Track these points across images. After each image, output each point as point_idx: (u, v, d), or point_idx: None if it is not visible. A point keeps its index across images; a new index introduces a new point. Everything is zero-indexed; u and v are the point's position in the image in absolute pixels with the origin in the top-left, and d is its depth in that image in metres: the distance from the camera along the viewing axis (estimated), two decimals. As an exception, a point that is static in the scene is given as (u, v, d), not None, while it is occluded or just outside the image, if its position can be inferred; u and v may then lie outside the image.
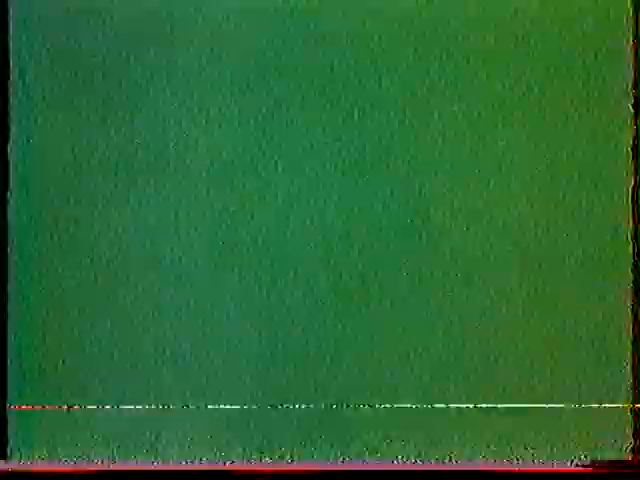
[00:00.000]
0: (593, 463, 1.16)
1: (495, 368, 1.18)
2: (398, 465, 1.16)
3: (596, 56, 1.19)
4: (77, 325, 1.18)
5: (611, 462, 1.16)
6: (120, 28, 1.19)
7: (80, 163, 1.18)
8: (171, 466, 1.16)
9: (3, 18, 1.19)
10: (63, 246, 1.18)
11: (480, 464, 1.16)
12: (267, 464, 1.17)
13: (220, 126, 1.18)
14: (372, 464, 1.16)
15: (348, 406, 1.17)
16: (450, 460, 1.17)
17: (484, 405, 1.17)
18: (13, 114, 1.18)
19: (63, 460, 1.17)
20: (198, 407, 1.17)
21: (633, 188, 1.18)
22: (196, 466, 1.16)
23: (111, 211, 1.18)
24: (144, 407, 1.17)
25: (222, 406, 1.18)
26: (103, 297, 1.18)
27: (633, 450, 1.17)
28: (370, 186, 1.18)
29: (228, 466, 1.16)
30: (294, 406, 1.17)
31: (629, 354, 1.18)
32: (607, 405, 1.17)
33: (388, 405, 1.17)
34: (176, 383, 1.18)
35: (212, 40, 1.19)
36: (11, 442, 1.17)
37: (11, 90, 1.18)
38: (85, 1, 1.18)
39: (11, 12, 1.19)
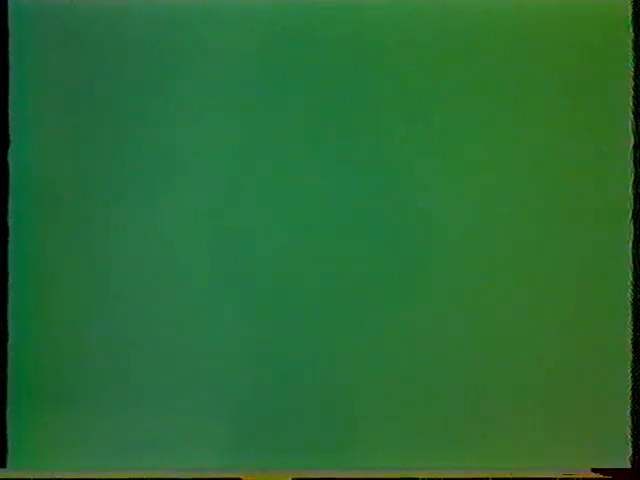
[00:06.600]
0: (593, 472, 1.16)
1: (494, 372, 1.18)
2: (396, 473, 1.16)
3: (596, 56, 1.19)
4: (77, 336, 1.18)
5: (611, 471, 1.17)
6: (122, 35, 1.19)
7: (80, 171, 1.18)
8: (170, 475, 1.16)
9: (3, 21, 1.19)
10: (63, 258, 1.18)
11: (480, 472, 1.16)
12: (263, 474, 1.17)
13: (222, 139, 1.19)
14: (370, 473, 1.16)
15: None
16: (449, 468, 1.17)
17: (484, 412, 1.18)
18: (13, 121, 1.18)
19: (63, 469, 1.17)
20: (195, 418, 1.18)
21: (634, 189, 1.18)
22: (192, 474, 1.16)
23: (110, 220, 1.18)
24: (144, 417, 1.17)
25: (219, 416, 1.18)
26: (101, 309, 1.18)
27: (633, 459, 1.17)
28: (375, 198, 1.18)
29: (226, 475, 1.16)
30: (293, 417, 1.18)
31: (629, 359, 1.18)
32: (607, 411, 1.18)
33: (389, 416, 1.17)
34: (174, 393, 1.18)
35: (216, 52, 1.19)
36: (11, 450, 1.18)
37: (11, 95, 1.19)
38: (84, 10, 1.19)
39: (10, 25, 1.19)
